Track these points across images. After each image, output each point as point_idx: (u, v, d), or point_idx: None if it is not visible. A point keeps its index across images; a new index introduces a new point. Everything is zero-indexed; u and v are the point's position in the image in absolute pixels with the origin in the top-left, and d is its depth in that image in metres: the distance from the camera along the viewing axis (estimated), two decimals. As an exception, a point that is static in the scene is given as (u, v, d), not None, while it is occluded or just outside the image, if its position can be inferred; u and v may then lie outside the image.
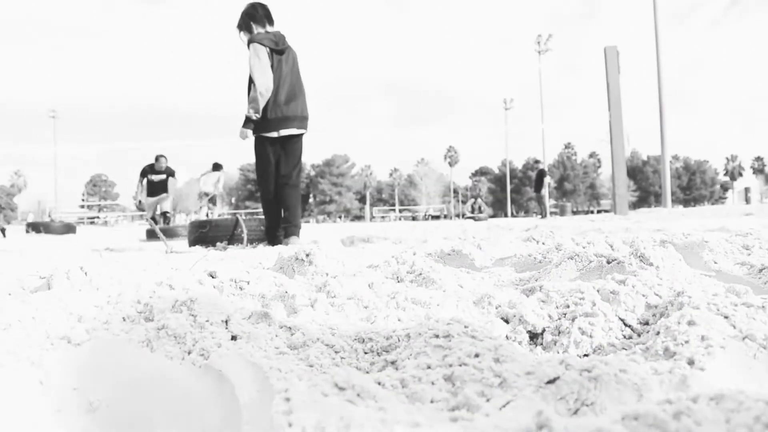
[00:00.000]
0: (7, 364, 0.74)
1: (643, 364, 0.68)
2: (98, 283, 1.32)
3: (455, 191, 76.51)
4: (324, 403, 0.51)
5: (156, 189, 10.80)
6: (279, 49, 4.28)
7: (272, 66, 4.21)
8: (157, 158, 10.77)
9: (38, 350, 0.80)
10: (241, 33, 4.38)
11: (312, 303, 1.15)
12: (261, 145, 4.30)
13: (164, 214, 11.35)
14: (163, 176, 10.80)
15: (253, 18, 4.34)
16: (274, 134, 4.27)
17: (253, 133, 4.25)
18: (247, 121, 4.18)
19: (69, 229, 11.36)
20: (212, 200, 12.81)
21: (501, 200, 67.84)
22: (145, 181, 10.71)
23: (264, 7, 4.41)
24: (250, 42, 4.20)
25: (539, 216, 18.92)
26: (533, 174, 19.45)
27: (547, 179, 18.66)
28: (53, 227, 11.51)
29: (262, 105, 4.14)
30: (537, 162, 19.92)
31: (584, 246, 1.75)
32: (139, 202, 10.69)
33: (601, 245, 1.78)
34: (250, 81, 4.20)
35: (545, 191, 18.71)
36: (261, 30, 4.33)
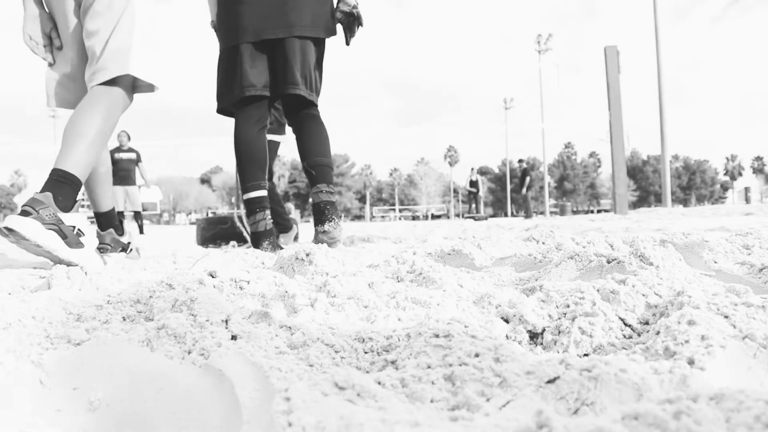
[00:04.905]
0: (7, 362, 0.74)
1: (643, 364, 0.68)
2: (98, 282, 1.32)
3: (455, 191, 76.48)
4: (324, 402, 0.51)
5: (123, 170, 9.77)
6: None
7: None
8: (118, 135, 9.78)
9: (38, 349, 0.81)
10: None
11: (312, 302, 1.15)
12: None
13: (136, 214, 10.21)
14: (132, 155, 9.86)
15: None
16: None
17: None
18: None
19: None
20: None
21: (501, 200, 67.85)
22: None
23: None
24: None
25: (524, 216, 18.94)
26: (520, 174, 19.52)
27: (528, 179, 18.71)
28: None
29: None
30: (521, 161, 19.90)
31: (584, 246, 1.75)
32: None
33: (601, 245, 1.78)
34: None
35: (529, 191, 18.74)
36: None
